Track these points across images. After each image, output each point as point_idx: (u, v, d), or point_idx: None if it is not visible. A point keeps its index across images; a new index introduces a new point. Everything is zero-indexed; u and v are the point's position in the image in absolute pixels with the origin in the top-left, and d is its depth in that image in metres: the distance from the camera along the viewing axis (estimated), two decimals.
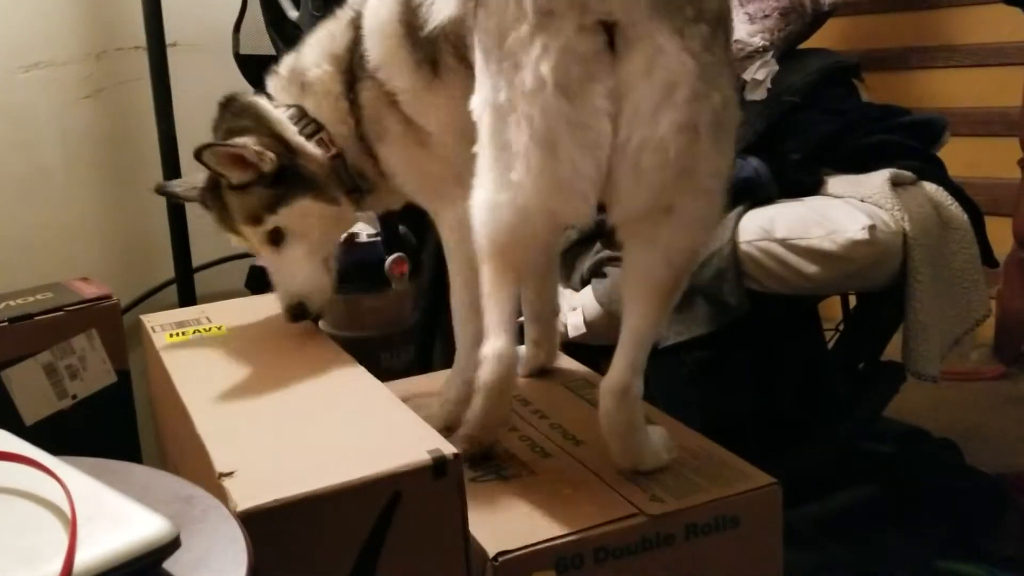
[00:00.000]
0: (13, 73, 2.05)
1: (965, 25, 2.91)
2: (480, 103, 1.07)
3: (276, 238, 1.37)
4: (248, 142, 1.32)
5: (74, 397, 1.63)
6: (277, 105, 1.40)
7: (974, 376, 2.63)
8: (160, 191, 1.53)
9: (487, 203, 1.08)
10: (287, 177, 1.34)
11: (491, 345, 1.14)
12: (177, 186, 1.51)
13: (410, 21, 1.23)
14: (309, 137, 1.36)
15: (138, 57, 2.09)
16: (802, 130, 1.78)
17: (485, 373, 1.15)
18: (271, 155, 1.32)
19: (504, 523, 1.10)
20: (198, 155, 1.30)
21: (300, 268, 1.38)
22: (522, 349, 1.49)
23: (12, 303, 1.64)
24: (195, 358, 1.36)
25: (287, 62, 1.42)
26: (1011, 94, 2.68)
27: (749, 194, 1.67)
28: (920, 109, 2.03)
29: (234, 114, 1.39)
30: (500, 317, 1.14)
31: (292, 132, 1.36)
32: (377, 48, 1.29)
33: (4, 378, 1.57)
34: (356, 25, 1.33)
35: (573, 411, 1.41)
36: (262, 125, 1.36)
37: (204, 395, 1.21)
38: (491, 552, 1.03)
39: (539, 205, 1.03)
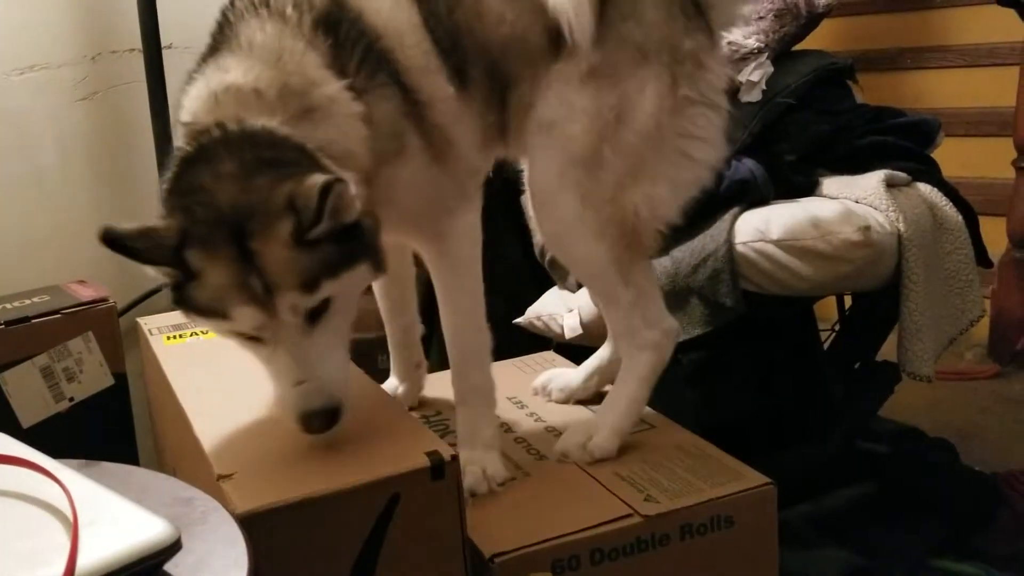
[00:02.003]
0: (8, 76, 2.04)
1: (958, 26, 2.91)
2: (638, 94, 1.21)
3: (316, 315, 1.02)
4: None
5: (71, 400, 1.63)
6: None
7: (969, 376, 2.63)
8: (109, 239, 0.97)
9: (673, 187, 1.25)
10: (347, 233, 1.01)
11: (670, 322, 1.30)
12: (132, 237, 0.98)
13: (433, 27, 1.19)
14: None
15: (134, 59, 2.09)
16: (797, 131, 1.78)
17: (663, 354, 1.29)
18: (357, 201, 1.01)
19: (500, 524, 1.10)
20: (326, 192, 0.94)
21: (338, 357, 1.05)
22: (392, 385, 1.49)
23: (9, 306, 1.64)
24: (192, 360, 1.36)
25: (251, 74, 1.07)
26: (1004, 94, 2.68)
27: (744, 195, 1.67)
28: (914, 110, 2.04)
29: (259, 144, 1.02)
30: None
31: (340, 173, 1.02)
32: (406, 52, 1.16)
33: (1, 381, 1.57)
34: (328, 24, 1.11)
35: (569, 414, 1.42)
36: (306, 161, 1.02)
37: (202, 397, 1.21)
38: (488, 553, 1.04)
39: (706, 180, 1.28)
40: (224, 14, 1.14)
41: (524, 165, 1.34)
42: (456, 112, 1.20)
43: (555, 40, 1.21)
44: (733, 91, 1.32)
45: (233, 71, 1.07)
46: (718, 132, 1.27)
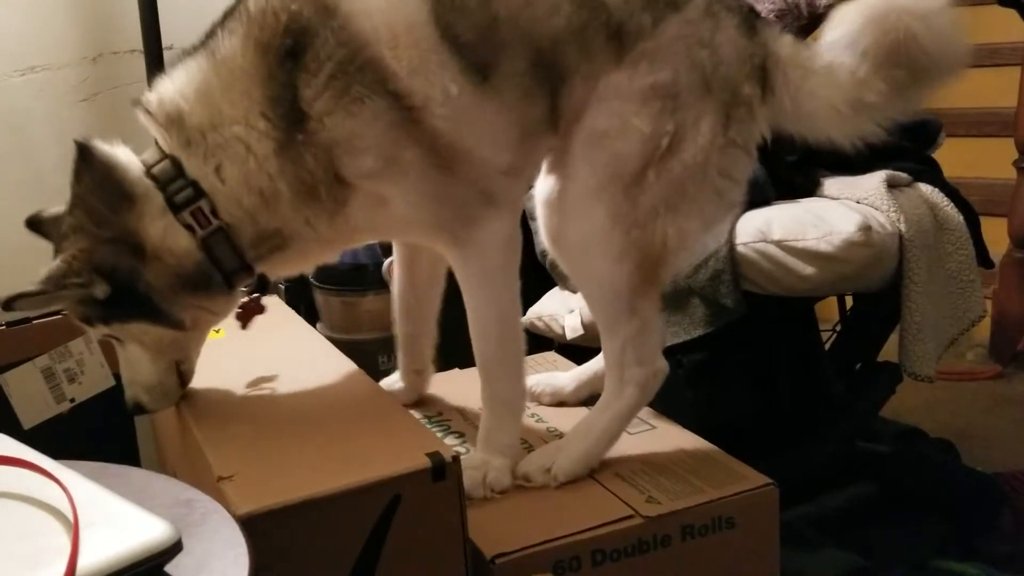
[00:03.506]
0: (9, 77, 2.04)
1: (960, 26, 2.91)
2: (694, 126, 1.19)
3: (119, 338, 1.18)
4: (72, 272, 1.10)
5: (72, 401, 1.63)
6: (148, 159, 1.15)
7: (970, 376, 2.64)
8: (31, 224, 1.26)
9: (704, 223, 1.24)
10: (124, 295, 1.11)
11: (661, 363, 1.27)
12: (47, 221, 1.22)
13: (451, 22, 1.13)
14: (180, 208, 1.11)
15: (134, 61, 2.09)
16: None
17: (647, 393, 1.27)
18: (104, 286, 1.10)
19: (502, 525, 1.10)
20: (7, 308, 1.10)
21: (142, 369, 1.18)
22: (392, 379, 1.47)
23: None
24: None
25: (174, 95, 1.13)
26: (1006, 95, 2.69)
27: (745, 196, 1.67)
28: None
29: (93, 184, 1.14)
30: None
31: (154, 225, 1.11)
32: (398, 54, 1.11)
33: (2, 382, 1.56)
34: (301, 46, 1.09)
35: (569, 415, 1.41)
36: (119, 209, 1.12)
37: (202, 398, 1.22)
38: (489, 554, 1.04)
39: (726, 221, 1.36)
40: (223, 16, 1.15)
41: (548, 168, 1.29)
42: (464, 113, 1.13)
43: (615, 38, 1.18)
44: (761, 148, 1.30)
45: (174, 82, 1.14)
46: (747, 179, 1.28)
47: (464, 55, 1.13)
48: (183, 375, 1.22)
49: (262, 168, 1.11)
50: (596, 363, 1.46)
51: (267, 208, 1.13)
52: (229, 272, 1.16)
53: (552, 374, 1.50)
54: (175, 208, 1.11)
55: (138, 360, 1.18)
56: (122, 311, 1.13)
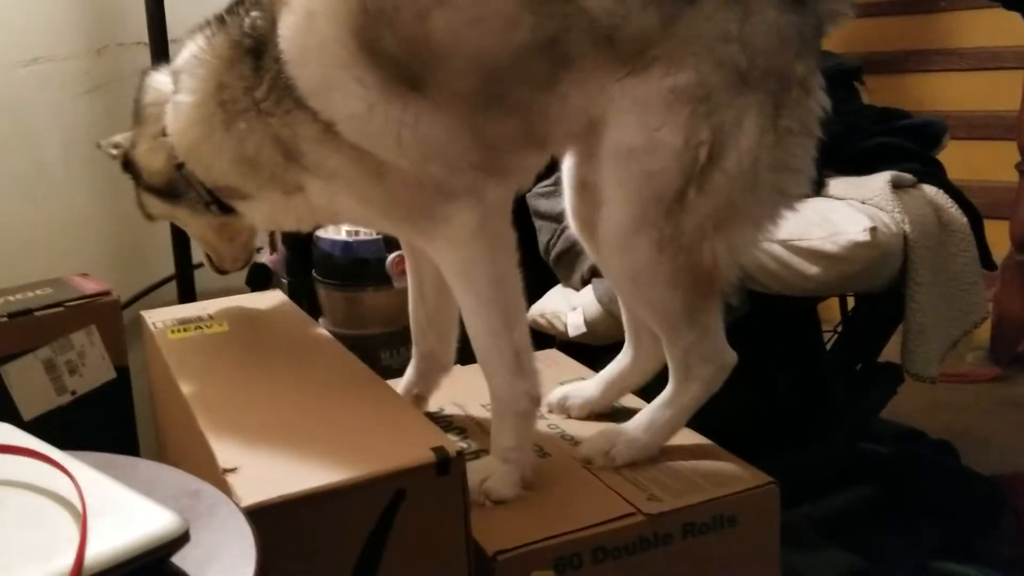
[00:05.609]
0: (13, 68, 2.04)
1: (964, 29, 2.92)
2: (734, 127, 1.09)
3: None
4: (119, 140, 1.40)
5: (73, 393, 1.63)
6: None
7: (970, 378, 2.64)
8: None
9: (759, 228, 1.18)
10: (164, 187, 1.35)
11: (729, 356, 1.26)
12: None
13: (371, 35, 1.06)
14: (155, 137, 1.31)
15: (139, 53, 2.09)
16: None
17: (712, 388, 1.26)
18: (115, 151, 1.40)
19: (503, 522, 1.10)
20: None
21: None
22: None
23: (12, 298, 1.63)
24: (197, 354, 1.35)
25: (181, 59, 1.25)
26: (1009, 98, 2.69)
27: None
28: (918, 112, 2.04)
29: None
30: None
31: (143, 143, 1.34)
32: (306, 75, 1.09)
33: (3, 373, 1.56)
34: (258, 50, 1.13)
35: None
36: (135, 123, 1.37)
37: (206, 391, 1.21)
38: (490, 550, 1.04)
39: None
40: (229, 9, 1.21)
41: (578, 179, 1.24)
42: (384, 129, 1.08)
43: (607, 44, 1.07)
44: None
45: (181, 57, 1.25)
46: (811, 161, 1.15)
47: (387, 68, 1.07)
48: (215, 260, 1.48)
49: (187, 130, 1.22)
50: (619, 364, 1.41)
51: (203, 167, 1.24)
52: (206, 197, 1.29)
53: (576, 385, 1.42)
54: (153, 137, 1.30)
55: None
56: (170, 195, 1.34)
